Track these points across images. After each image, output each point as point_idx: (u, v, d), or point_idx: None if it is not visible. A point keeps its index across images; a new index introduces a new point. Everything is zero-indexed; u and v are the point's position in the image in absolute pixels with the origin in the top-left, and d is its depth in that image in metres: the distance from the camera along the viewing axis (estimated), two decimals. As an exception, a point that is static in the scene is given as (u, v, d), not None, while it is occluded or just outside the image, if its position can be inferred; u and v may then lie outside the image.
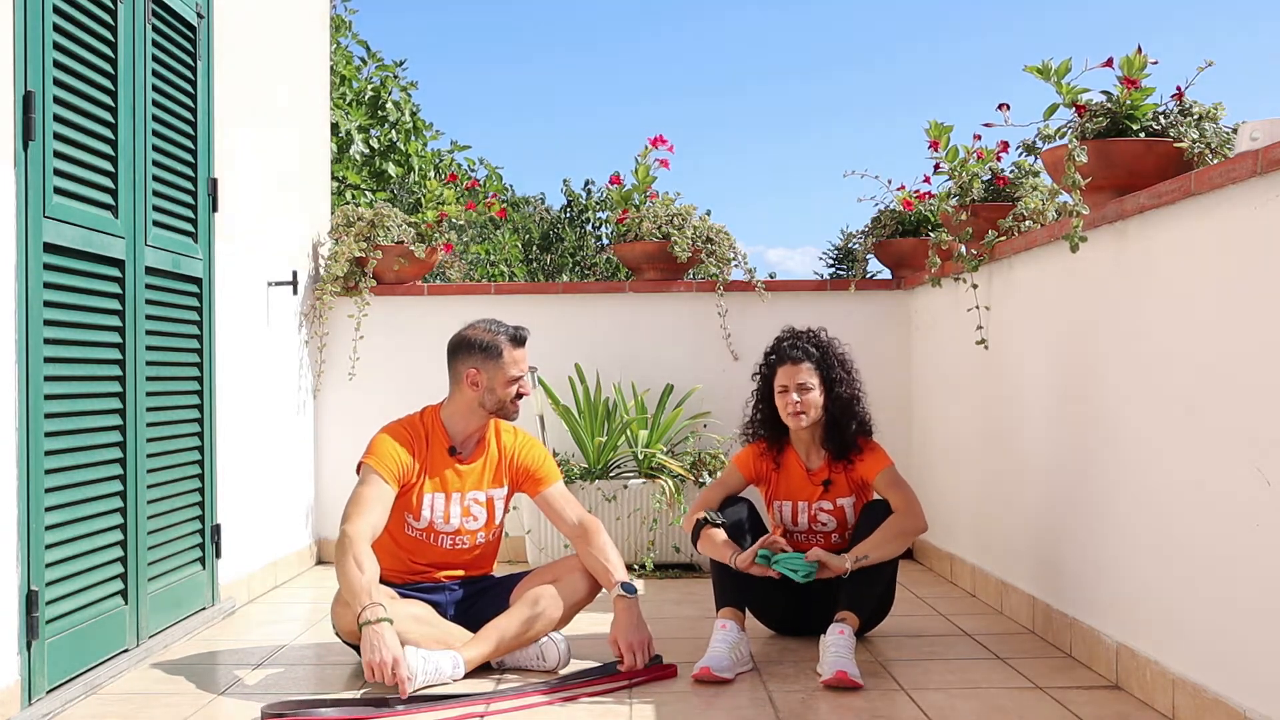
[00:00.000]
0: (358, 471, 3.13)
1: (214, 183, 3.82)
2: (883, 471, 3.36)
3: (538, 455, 3.32)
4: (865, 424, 3.43)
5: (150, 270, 3.35)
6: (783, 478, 3.48)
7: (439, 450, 3.21)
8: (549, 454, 3.38)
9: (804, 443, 3.45)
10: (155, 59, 3.39)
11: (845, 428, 3.37)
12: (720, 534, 3.27)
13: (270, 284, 4.44)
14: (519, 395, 3.22)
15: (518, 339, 3.24)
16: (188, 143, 3.63)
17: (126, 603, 3.18)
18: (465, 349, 3.23)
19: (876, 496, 3.41)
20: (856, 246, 5.25)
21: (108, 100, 3.09)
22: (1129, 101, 3.05)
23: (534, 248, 22.44)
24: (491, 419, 3.27)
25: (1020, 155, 3.58)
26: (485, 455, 3.27)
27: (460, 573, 3.29)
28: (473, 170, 13.60)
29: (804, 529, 3.46)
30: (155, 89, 3.39)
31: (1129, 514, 2.86)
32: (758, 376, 3.51)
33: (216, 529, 3.83)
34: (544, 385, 4.90)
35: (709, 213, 5.69)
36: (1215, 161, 2.82)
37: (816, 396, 3.36)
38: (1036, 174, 4.13)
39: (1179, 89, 3.06)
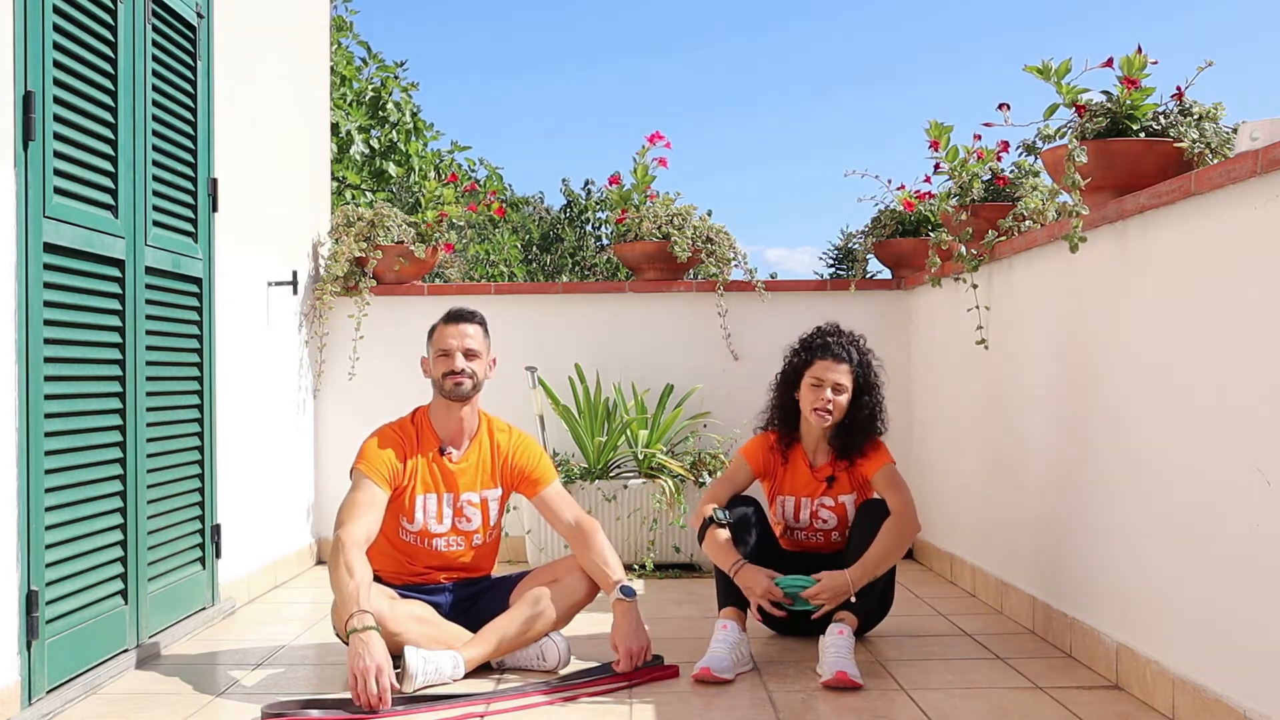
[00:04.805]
0: (350, 477, 3.14)
1: (214, 183, 3.83)
2: (882, 469, 3.35)
3: (533, 455, 3.31)
4: (879, 431, 3.43)
5: (150, 270, 3.35)
6: (788, 473, 3.47)
7: (429, 450, 3.21)
8: (545, 454, 3.37)
9: (813, 438, 3.44)
10: (155, 59, 3.39)
11: (860, 434, 3.37)
12: (724, 535, 3.26)
13: (270, 284, 4.45)
14: (448, 373, 3.18)
15: (450, 315, 3.26)
16: (188, 143, 3.64)
17: (126, 603, 3.18)
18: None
19: (875, 494, 3.41)
20: (856, 246, 5.25)
21: (108, 100, 3.09)
22: (1129, 101, 3.05)
23: (534, 248, 22.43)
24: (483, 418, 3.29)
25: (1020, 155, 3.59)
26: (479, 455, 3.26)
27: (458, 574, 3.29)
28: (473, 170, 13.60)
29: (805, 525, 3.46)
30: (155, 89, 3.39)
31: (1129, 514, 2.86)
32: (787, 361, 3.46)
33: (216, 529, 3.83)
34: (544, 385, 4.90)
35: (709, 212, 5.67)
36: (1215, 161, 2.82)
37: (845, 401, 3.34)
38: (1036, 174, 4.14)
39: (1179, 89, 3.06)
